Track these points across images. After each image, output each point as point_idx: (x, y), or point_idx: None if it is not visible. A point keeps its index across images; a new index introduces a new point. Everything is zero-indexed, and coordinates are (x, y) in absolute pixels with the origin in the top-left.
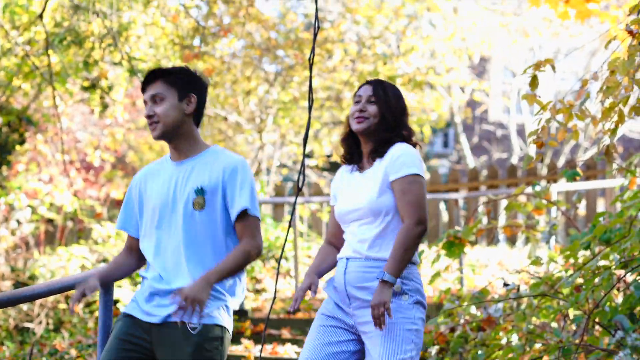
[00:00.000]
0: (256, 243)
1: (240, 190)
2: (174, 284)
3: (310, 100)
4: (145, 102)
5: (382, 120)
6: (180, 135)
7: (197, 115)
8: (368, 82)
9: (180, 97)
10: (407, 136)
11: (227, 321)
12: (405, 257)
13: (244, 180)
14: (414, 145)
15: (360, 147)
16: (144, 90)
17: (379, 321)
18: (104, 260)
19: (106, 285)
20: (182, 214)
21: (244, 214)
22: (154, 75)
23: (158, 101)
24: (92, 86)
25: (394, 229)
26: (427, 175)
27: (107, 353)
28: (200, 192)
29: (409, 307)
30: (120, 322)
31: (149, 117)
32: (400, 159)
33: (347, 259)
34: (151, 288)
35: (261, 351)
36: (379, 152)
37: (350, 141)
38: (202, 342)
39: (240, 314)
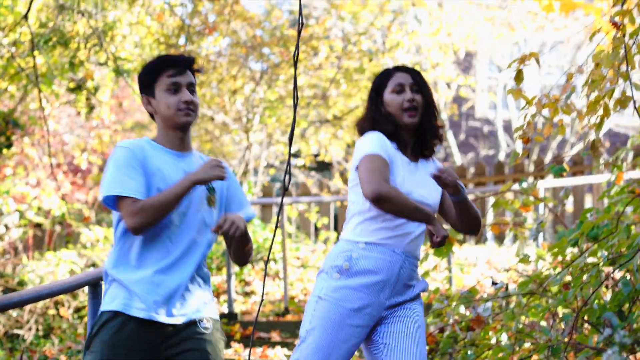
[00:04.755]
0: None
1: (244, 196)
2: (183, 278)
3: (296, 99)
4: (176, 84)
5: (428, 111)
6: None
7: None
8: (400, 69)
9: None
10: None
11: None
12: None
13: (239, 186)
14: None
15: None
16: (176, 72)
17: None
18: (93, 265)
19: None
20: (197, 209)
21: None
22: (190, 63)
23: (193, 91)
24: (78, 87)
25: None
26: None
27: None
28: (212, 190)
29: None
30: (127, 327)
31: (189, 102)
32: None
33: (405, 254)
34: (167, 287)
35: (249, 354)
36: (427, 154)
37: (391, 121)
38: (217, 338)
39: (230, 317)
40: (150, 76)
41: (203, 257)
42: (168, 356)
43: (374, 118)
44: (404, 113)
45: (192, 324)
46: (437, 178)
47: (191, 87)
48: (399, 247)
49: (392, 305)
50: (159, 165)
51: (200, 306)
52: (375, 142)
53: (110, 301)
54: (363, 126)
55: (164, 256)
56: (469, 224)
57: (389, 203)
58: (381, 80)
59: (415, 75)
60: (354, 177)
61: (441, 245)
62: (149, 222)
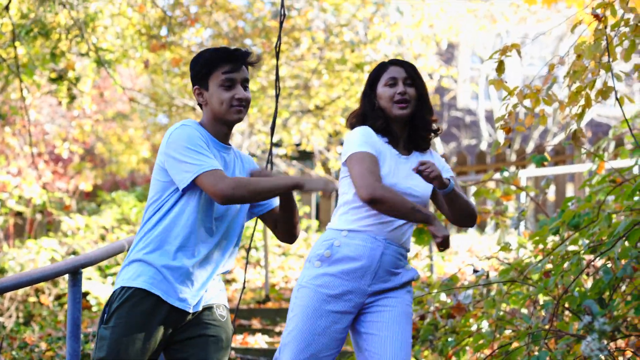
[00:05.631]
0: None
1: None
2: (213, 271)
3: (277, 89)
4: (230, 80)
5: (421, 104)
6: None
7: None
8: (394, 63)
9: None
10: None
11: None
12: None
13: None
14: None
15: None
16: (228, 69)
17: (430, 172)
18: (74, 253)
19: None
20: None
21: None
22: (246, 58)
23: (247, 87)
24: (60, 78)
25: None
26: None
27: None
28: None
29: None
30: (151, 306)
31: (242, 99)
32: (446, 163)
33: (386, 240)
34: (200, 279)
35: (230, 341)
36: (423, 146)
37: (381, 115)
38: (230, 327)
39: None
40: (206, 69)
41: (231, 252)
42: (184, 338)
43: (365, 114)
44: (395, 105)
45: (208, 309)
46: (419, 172)
47: (245, 83)
48: (381, 234)
49: (376, 292)
50: (213, 153)
51: (217, 293)
52: (360, 139)
53: (134, 278)
54: (352, 122)
55: (203, 249)
56: (461, 215)
57: (383, 205)
58: (375, 74)
59: (409, 69)
60: (343, 170)
61: (445, 246)
62: (241, 195)
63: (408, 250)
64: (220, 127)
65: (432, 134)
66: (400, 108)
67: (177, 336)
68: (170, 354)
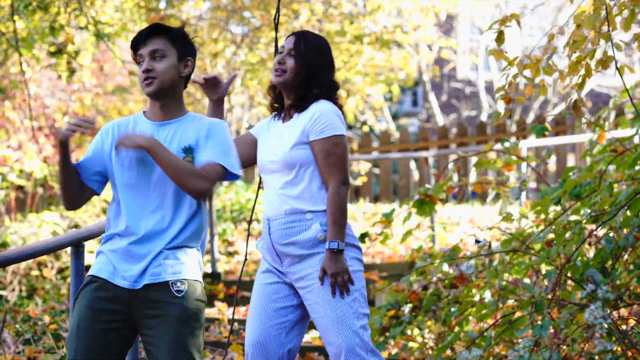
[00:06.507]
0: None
1: (221, 148)
2: (157, 245)
3: None
4: (140, 56)
5: (297, 75)
6: (171, 96)
7: (187, 80)
8: (294, 34)
9: (179, 58)
10: (321, 93)
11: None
12: (344, 219)
13: (217, 136)
14: (336, 103)
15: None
16: (139, 45)
17: (342, 289)
18: (76, 226)
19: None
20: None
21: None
22: (156, 31)
23: (158, 58)
24: (59, 51)
25: (315, 184)
26: (397, 134)
27: (82, 324)
28: (188, 150)
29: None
30: (93, 287)
31: (146, 71)
32: (321, 118)
33: (268, 219)
34: (139, 256)
35: (233, 313)
36: (297, 106)
37: (277, 91)
38: (192, 300)
39: (213, 277)
40: (133, 56)
41: (180, 224)
42: (140, 317)
43: (270, 88)
44: (273, 72)
45: (164, 286)
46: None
47: (154, 54)
48: (265, 215)
49: (291, 263)
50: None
51: (176, 267)
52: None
53: (91, 268)
54: None
55: (139, 227)
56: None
57: None
58: None
59: (298, 41)
60: None
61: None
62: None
63: (308, 212)
64: (152, 104)
65: (299, 103)
66: (276, 76)
67: (139, 318)
68: (142, 339)
